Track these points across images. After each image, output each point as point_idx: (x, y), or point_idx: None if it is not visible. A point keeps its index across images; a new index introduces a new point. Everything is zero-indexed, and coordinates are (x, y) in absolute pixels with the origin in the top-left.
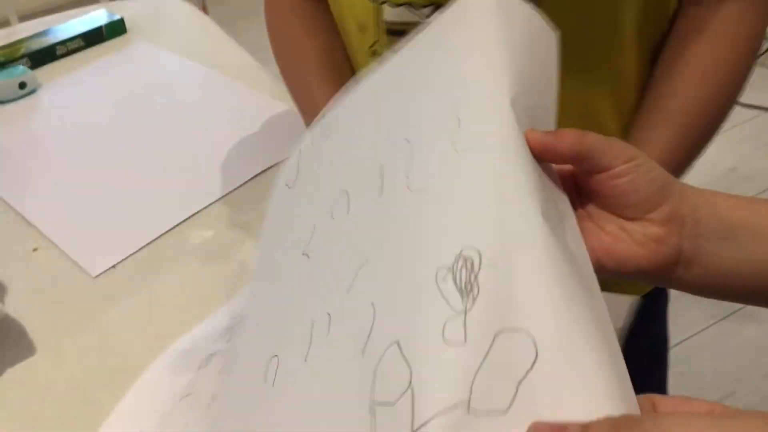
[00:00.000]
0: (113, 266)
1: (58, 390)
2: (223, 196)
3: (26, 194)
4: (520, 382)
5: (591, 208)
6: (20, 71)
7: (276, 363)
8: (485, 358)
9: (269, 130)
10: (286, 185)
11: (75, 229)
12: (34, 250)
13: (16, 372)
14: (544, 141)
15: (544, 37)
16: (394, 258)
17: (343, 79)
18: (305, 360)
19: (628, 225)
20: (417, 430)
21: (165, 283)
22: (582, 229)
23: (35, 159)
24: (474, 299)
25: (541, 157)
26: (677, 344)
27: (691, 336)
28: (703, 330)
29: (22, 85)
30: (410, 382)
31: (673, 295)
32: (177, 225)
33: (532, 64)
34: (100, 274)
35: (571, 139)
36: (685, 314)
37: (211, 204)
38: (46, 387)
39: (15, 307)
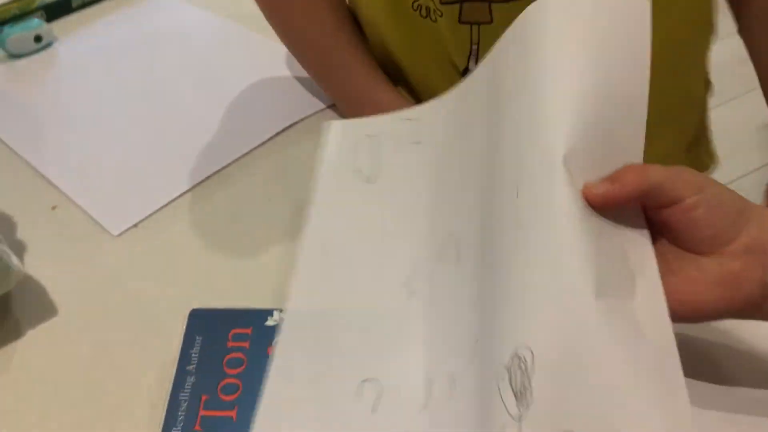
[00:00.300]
0: (135, 225)
1: (82, 352)
2: (247, 153)
3: (44, 151)
4: None
5: (662, 245)
6: (35, 24)
7: (378, 389)
8: None
9: (294, 85)
10: (361, 173)
11: (95, 186)
12: (53, 208)
13: (38, 334)
14: (604, 194)
15: (631, 11)
16: (469, 335)
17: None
18: (425, 407)
19: (704, 261)
20: None
21: (189, 242)
22: None
23: (53, 115)
24: (528, 405)
25: (606, 209)
26: None
27: None
28: None
29: (38, 39)
30: None
31: None
32: (201, 182)
33: (611, 56)
34: (122, 232)
35: (633, 179)
36: None
37: (235, 161)
38: (70, 349)
39: (35, 268)
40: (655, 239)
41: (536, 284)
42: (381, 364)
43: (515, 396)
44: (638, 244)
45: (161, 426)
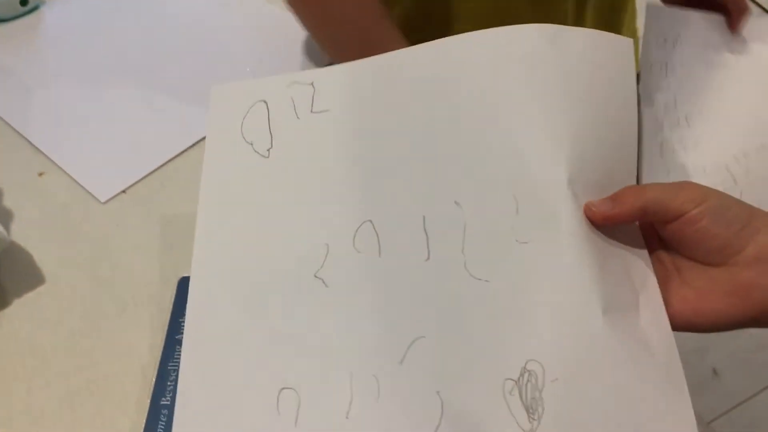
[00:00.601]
0: (123, 191)
1: (70, 321)
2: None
3: (31, 117)
4: None
5: (675, 258)
6: None
7: (295, 399)
8: None
9: (293, 50)
10: (253, 145)
11: (82, 152)
12: (40, 175)
13: (24, 303)
14: (604, 213)
15: (616, 51)
16: (459, 350)
17: None
18: (347, 417)
19: (715, 272)
20: None
21: (178, 208)
22: (666, 290)
23: (39, 80)
24: (539, 418)
25: (606, 225)
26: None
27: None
28: None
29: (24, 2)
30: None
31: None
32: (190, 147)
33: (599, 93)
34: (110, 199)
35: (630, 199)
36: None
37: None
38: (57, 318)
39: (21, 235)
40: (668, 253)
41: (545, 301)
42: (297, 369)
43: (526, 410)
44: (639, 263)
45: (150, 395)
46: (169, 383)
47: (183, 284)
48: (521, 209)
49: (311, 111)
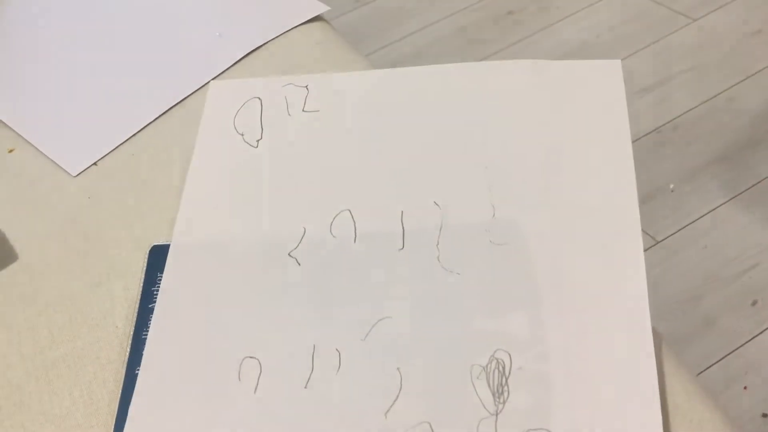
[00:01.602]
0: (95, 163)
1: (44, 297)
2: (210, 80)
3: None
4: None
5: None
6: None
7: (257, 368)
8: None
9: (259, 7)
10: (244, 136)
11: (52, 126)
12: (10, 151)
13: None
14: None
15: (603, 72)
16: (424, 333)
17: None
18: (305, 387)
19: None
20: None
21: (150, 177)
22: None
23: (4, 53)
24: (504, 402)
25: None
26: (700, 218)
27: (716, 208)
28: (727, 201)
29: None
30: None
31: (695, 167)
32: (162, 114)
33: (588, 114)
34: (81, 172)
35: None
36: (708, 186)
37: (198, 89)
38: (32, 294)
39: None
40: None
41: (516, 297)
42: (262, 340)
43: (492, 394)
44: (628, 246)
45: (125, 365)
46: (143, 352)
47: (154, 252)
48: (498, 215)
49: (303, 110)
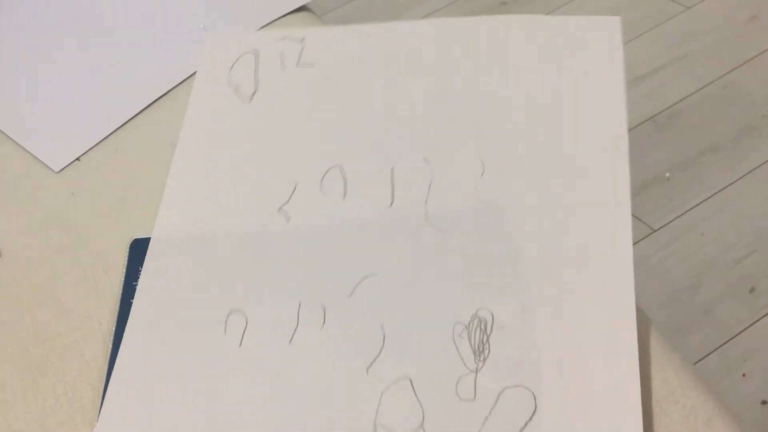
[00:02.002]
0: (77, 159)
1: (27, 294)
2: (192, 74)
3: None
4: None
5: None
6: None
7: (243, 322)
8: (490, 412)
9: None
10: (238, 90)
11: (34, 122)
12: None
13: None
14: None
15: (601, 30)
16: (409, 291)
17: None
18: (290, 342)
19: None
20: None
21: (133, 172)
22: None
23: None
24: (485, 360)
25: None
26: (696, 205)
27: (712, 196)
28: (723, 189)
29: None
30: (422, 424)
31: (691, 155)
32: (145, 108)
33: (584, 72)
34: (64, 168)
35: None
36: (704, 173)
37: (181, 82)
38: (15, 292)
39: None
40: None
41: (500, 255)
42: (248, 294)
43: (474, 352)
44: (617, 207)
45: (107, 362)
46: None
47: (135, 247)
48: (487, 172)
49: (297, 65)
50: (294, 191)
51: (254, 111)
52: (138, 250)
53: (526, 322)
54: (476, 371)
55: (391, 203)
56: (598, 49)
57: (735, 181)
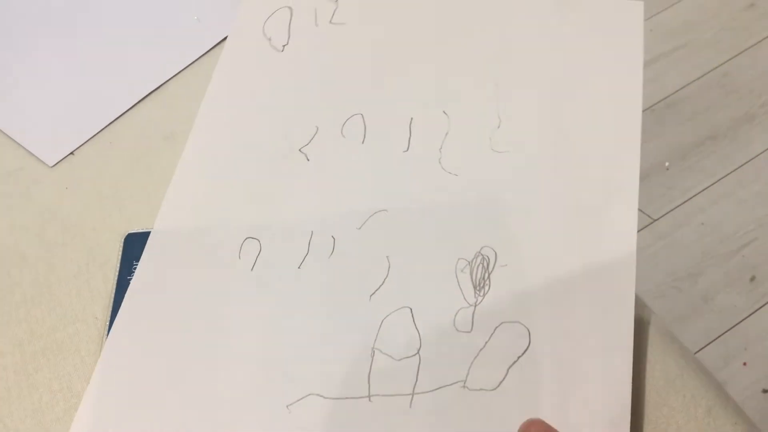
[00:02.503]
0: (72, 153)
1: (20, 289)
2: (185, 68)
3: None
4: (510, 366)
5: None
6: None
7: (257, 248)
8: (485, 345)
9: None
10: (270, 41)
11: (28, 116)
12: None
13: None
14: None
15: (624, 12)
16: (417, 226)
17: None
18: (298, 267)
19: None
20: (416, 393)
21: (128, 166)
22: None
23: None
24: (484, 295)
25: None
26: (696, 195)
27: (711, 185)
28: (723, 178)
29: None
30: (418, 351)
31: (690, 144)
32: (139, 102)
33: (603, 52)
34: (58, 162)
35: None
36: (703, 162)
37: (175, 75)
38: (9, 287)
39: None
40: None
41: (508, 199)
42: (265, 223)
43: (474, 287)
44: (625, 177)
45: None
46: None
47: (129, 241)
48: (503, 125)
49: (330, 22)
50: (316, 134)
51: (284, 61)
52: (132, 244)
53: (527, 262)
54: (475, 305)
55: (408, 148)
56: (619, 28)
57: (734, 170)
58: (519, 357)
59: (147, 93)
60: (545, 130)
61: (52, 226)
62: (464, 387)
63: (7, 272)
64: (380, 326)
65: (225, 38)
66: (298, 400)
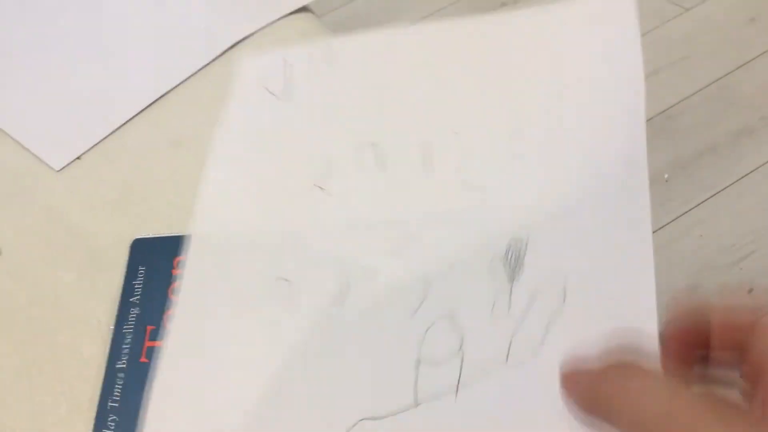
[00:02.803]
0: (78, 157)
1: (25, 292)
2: (191, 75)
3: None
4: (547, 327)
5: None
6: None
7: (291, 288)
8: (523, 320)
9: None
10: (274, 93)
11: (34, 120)
12: None
13: None
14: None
15: (614, 10)
16: (448, 240)
17: None
18: (342, 304)
19: None
20: (460, 386)
21: (135, 172)
22: None
23: None
24: (519, 277)
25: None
26: (695, 207)
27: (710, 197)
28: (722, 190)
29: None
30: (461, 348)
31: (689, 156)
32: (145, 108)
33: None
34: (65, 167)
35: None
36: (702, 174)
37: (182, 82)
38: (12, 289)
39: None
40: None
41: (534, 197)
42: (292, 262)
43: (509, 277)
44: (635, 183)
45: (106, 360)
46: (124, 347)
47: (136, 246)
48: (515, 134)
49: (327, 65)
50: (329, 166)
51: (287, 105)
52: (139, 249)
53: (559, 241)
54: (510, 291)
55: (426, 171)
56: (611, 27)
57: (733, 183)
58: (554, 315)
59: (154, 99)
60: (553, 134)
61: (58, 231)
62: (506, 364)
63: (11, 274)
64: (423, 339)
65: (232, 45)
66: (350, 429)
